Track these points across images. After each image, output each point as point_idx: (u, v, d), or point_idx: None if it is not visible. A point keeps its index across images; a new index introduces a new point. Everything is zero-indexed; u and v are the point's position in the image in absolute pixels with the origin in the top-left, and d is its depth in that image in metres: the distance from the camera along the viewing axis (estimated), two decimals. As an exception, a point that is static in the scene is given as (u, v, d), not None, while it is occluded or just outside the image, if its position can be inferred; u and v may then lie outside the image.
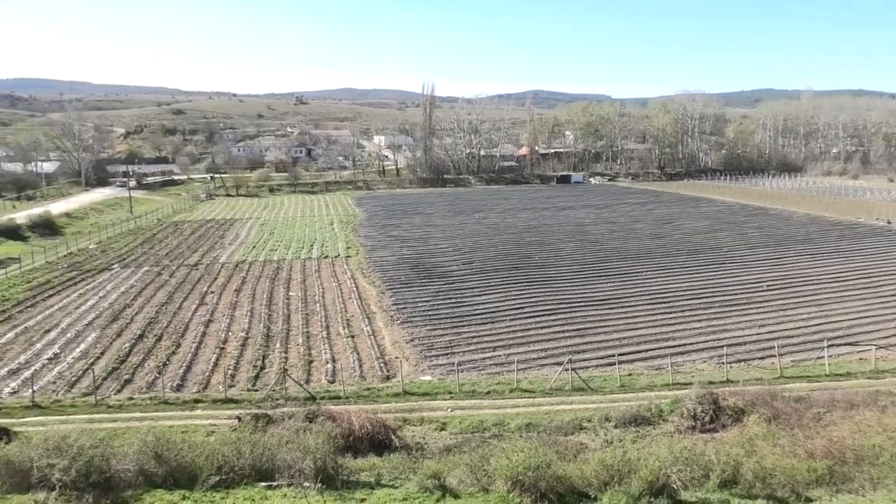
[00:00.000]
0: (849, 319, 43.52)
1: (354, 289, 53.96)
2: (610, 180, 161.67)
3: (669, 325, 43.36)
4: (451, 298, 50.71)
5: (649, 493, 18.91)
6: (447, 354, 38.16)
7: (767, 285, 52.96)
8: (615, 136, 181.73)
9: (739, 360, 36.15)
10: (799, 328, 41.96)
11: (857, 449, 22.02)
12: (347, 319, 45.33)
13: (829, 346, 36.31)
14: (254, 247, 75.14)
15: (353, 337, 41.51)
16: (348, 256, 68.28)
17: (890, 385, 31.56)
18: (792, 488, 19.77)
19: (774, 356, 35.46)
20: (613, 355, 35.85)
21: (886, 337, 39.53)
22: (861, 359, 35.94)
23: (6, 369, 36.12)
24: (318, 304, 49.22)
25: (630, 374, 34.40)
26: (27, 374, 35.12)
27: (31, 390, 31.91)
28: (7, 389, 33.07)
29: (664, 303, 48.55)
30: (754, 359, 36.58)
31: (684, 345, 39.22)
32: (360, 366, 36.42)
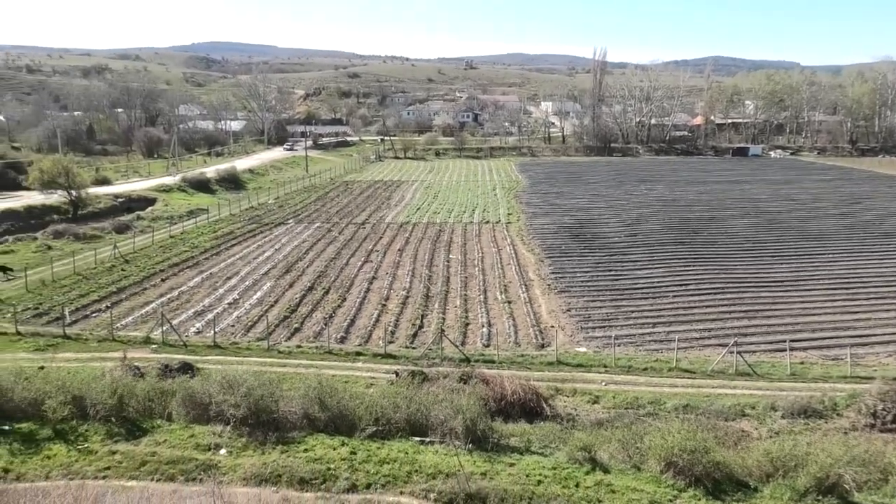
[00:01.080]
0: None
1: (513, 255, 54.11)
2: (792, 154, 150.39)
3: (852, 312, 39.99)
4: (611, 270, 49.60)
5: (817, 490, 17.75)
6: (604, 327, 37.48)
7: (973, 277, 47.41)
8: (802, 106, 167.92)
9: (933, 357, 32.75)
10: None
11: None
12: (505, 285, 45.60)
13: None
14: (418, 209, 77.18)
15: (509, 303, 41.74)
16: (509, 223, 68.46)
17: None
18: None
19: (976, 356, 31.81)
20: (784, 341, 33.58)
21: None
22: None
23: (193, 310, 39.72)
24: (476, 269, 49.88)
25: (802, 363, 32.15)
26: (210, 316, 38.42)
27: (213, 331, 34.88)
28: (193, 329, 36.38)
29: (847, 288, 44.80)
30: (951, 357, 33.01)
31: (868, 335, 36.05)
32: (516, 332, 36.62)
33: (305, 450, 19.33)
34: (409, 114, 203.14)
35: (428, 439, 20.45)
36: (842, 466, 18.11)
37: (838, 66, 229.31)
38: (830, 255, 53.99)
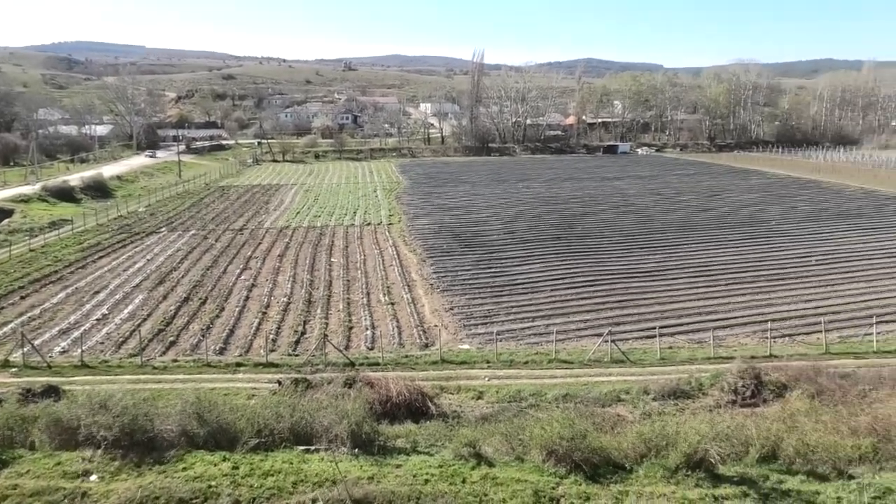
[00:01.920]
0: (901, 296, 42.30)
1: (396, 256, 54.24)
2: (657, 151, 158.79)
3: (713, 298, 42.68)
4: (491, 268, 50.64)
5: (686, 466, 18.75)
6: (486, 324, 38.22)
7: (816, 259, 51.71)
8: (665, 105, 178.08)
9: (784, 336, 35.47)
10: (847, 304, 40.95)
11: (903, 427, 21.47)
12: (388, 287, 45.64)
13: (877, 323, 35.36)
14: (298, 213, 75.96)
15: (393, 304, 41.82)
16: (390, 224, 68.57)
17: (941, 364, 30.63)
18: (834, 465, 19.39)
19: (820, 332, 34.68)
20: (654, 328, 35.47)
21: (940, 315, 38.35)
22: (912, 337, 34.97)
23: (57, 329, 37.34)
24: (359, 271, 49.65)
25: (670, 348, 34.04)
26: (77, 334, 36.20)
27: (80, 350, 32.91)
28: (57, 349, 34.17)
29: (708, 276, 47.78)
30: (799, 334, 35.88)
31: (727, 319, 38.60)
32: (400, 333, 36.74)
33: (184, 468, 18.60)
34: (287, 116, 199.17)
35: (313, 447, 20.17)
36: (708, 442, 19.21)
37: (698, 68, 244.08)
38: (692, 245, 57.39)
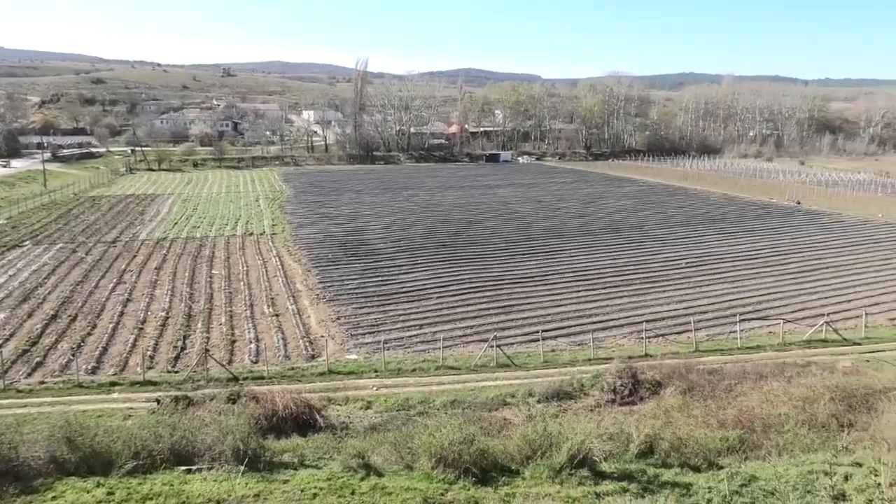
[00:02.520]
0: (759, 295, 45.47)
1: (280, 267, 53.16)
2: (537, 159, 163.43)
3: (592, 301, 44.35)
4: (378, 276, 50.55)
5: (570, 465, 19.31)
6: (373, 333, 38.10)
7: (686, 262, 54.73)
8: (544, 115, 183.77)
9: (658, 335, 37.36)
10: (713, 304, 43.60)
11: (764, 418, 23.09)
12: (272, 298, 44.66)
13: (740, 321, 37.91)
14: (176, 223, 73.08)
15: (277, 316, 40.96)
16: (274, 234, 67.17)
17: (796, 357, 33.16)
18: (704, 456, 20.53)
19: (690, 331, 36.80)
20: (537, 332, 36.47)
21: (793, 311, 41.47)
22: (770, 332, 37.69)
23: None
24: (241, 283, 48.34)
25: (553, 350, 35.10)
26: (-71, 357, 33.31)
27: (-67, 374, 30.35)
28: None
29: (587, 280, 49.61)
30: (672, 333, 37.89)
31: (606, 321, 40.23)
32: (285, 345, 36.02)
33: (54, 497, 17.44)
34: (162, 122, 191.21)
35: (195, 467, 19.44)
36: (590, 441, 19.95)
37: (575, 80, 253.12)
38: (572, 251, 59.43)
